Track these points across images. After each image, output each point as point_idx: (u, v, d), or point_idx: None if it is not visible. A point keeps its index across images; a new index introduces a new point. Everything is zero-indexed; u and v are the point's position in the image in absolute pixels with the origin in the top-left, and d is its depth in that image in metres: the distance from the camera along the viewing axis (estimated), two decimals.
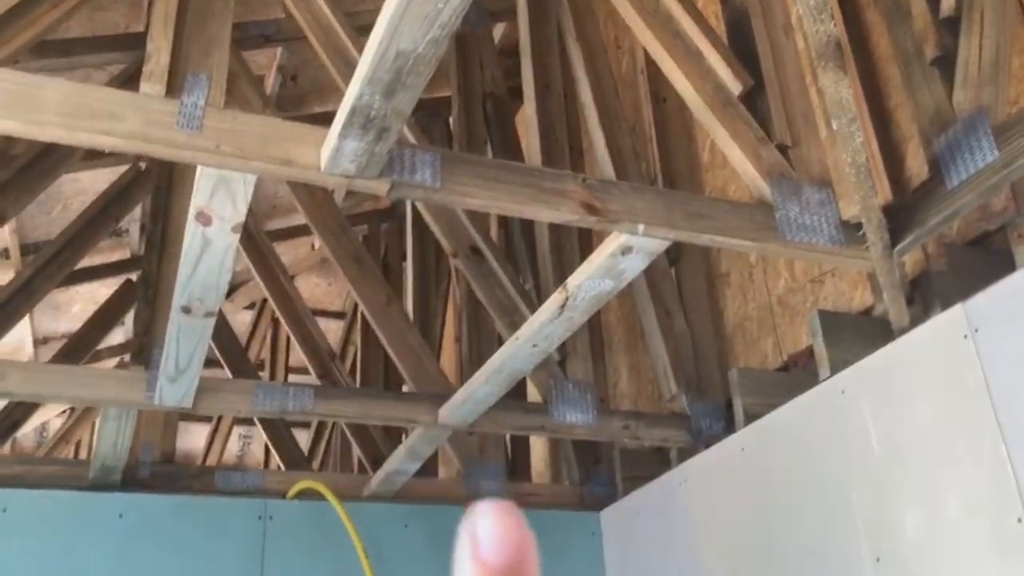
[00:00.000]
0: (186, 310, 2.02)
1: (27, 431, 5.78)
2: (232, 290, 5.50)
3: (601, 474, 3.46)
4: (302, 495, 3.06)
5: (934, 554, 2.00)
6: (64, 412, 5.60)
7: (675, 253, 3.32)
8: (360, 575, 2.93)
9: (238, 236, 1.78)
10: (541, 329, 2.20)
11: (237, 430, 6.34)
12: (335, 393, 2.67)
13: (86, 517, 2.79)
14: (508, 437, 3.85)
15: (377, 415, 2.67)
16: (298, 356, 4.64)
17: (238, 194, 1.68)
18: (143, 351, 2.54)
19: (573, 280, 2.01)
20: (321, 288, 5.86)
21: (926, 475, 2.05)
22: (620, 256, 1.88)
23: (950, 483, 1.98)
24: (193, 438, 6.43)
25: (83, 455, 5.91)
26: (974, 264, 2.23)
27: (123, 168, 3.89)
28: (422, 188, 1.66)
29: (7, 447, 4.12)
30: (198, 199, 1.70)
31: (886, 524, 2.13)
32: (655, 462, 3.27)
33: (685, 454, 2.98)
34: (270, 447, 4.63)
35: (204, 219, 1.74)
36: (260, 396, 2.53)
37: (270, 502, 3.01)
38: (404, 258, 4.71)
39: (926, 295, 2.26)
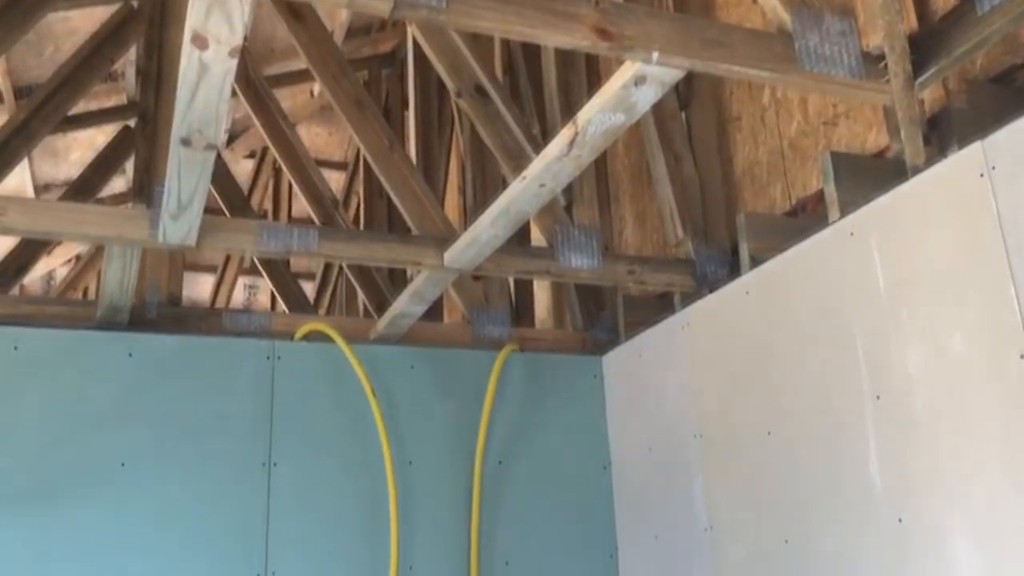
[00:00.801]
0: (186, 142, 1.97)
1: (34, 278, 5.82)
2: (232, 138, 5.41)
3: (604, 320, 3.49)
4: (309, 337, 3.09)
5: (934, 391, 2.02)
6: (70, 260, 5.63)
7: (686, 96, 3.23)
8: (368, 414, 3.01)
9: (235, 62, 1.72)
10: (549, 167, 2.15)
11: (242, 280, 6.38)
12: (339, 234, 2.65)
13: (95, 356, 2.83)
14: (513, 284, 3.87)
15: (382, 257, 2.66)
16: (301, 205, 4.62)
17: (235, 14, 1.60)
18: (144, 189, 2.51)
19: (583, 114, 1.95)
20: (322, 138, 5.76)
21: (931, 314, 2.05)
22: (633, 87, 1.81)
23: (955, 321, 1.99)
24: (199, 288, 6.48)
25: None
26: (996, 102, 2.16)
27: (115, 7, 3.74)
28: (427, 8, 1.58)
29: (15, 292, 4.15)
30: (193, 20, 1.62)
31: (887, 363, 2.15)
32: (658, 308, 3.28)
33: (688, 299, 2.99)
34: (276, 296, 4.67)
35: (200, 43, 1.67)
36: (264, 236, 2.51)
37: (278, 343, 3.04)
38: (406, 105, 4.61)
39: (943, 135, 2.20)
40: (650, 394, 3.10)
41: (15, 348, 2.76)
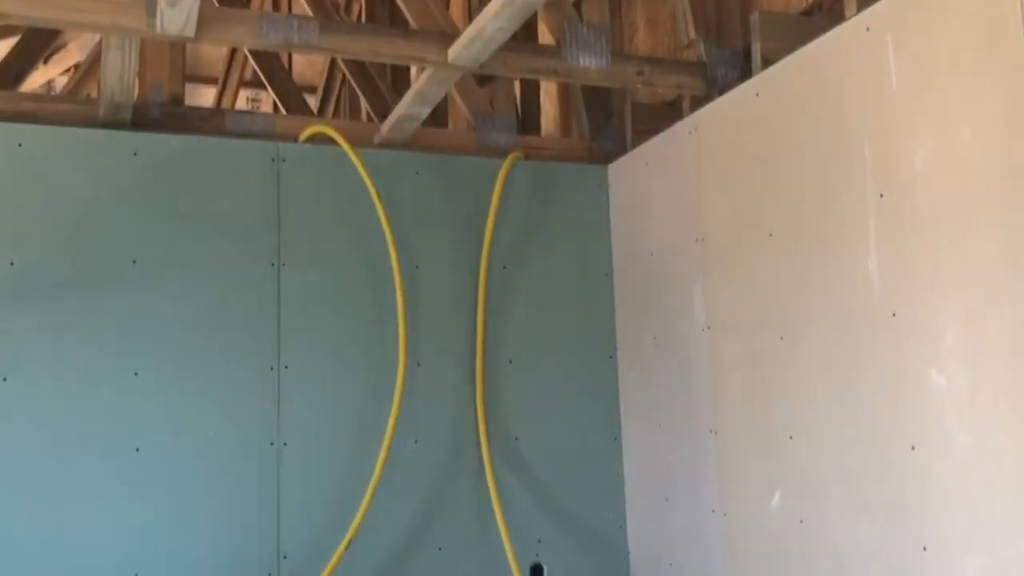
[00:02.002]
0: None
1: (32, 87, 5.72)
2: None
3: (611, 128, 3.45)
4: (314, 142, 3.07)
5: (939, 188, 2.02)
6: (69, 70, 5.52)
7: None
8: (374, 219, 3.03)
9: None
10: None
11: (244, 93, 6.28)
12: (341, 27, 2.58)
13: (101, 154, 2.83)
14: (519, 91, 3.80)
15: (385, 53, 2.60)
16: (300, 6, 4.47)
17: None
18: None
19: None
20: None
21: (942, 109, 2.02)
22: None
23: (966, 115, 1.96)
24: (200, 99, 6.38)
25: None
26: None
27: None
28: None
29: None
30: None
31: (894, 162, 2.14)
32: (666, 116, 3.24)
33: (698, 104, 2.95)
34: (278, 107, 4.60)
35: None
36: (264, 27, 2.45)
37: (282, 145, 3.03)
38: None
39: None
40: (654, 201, 3.11)
41: (19, 145, 2.75)
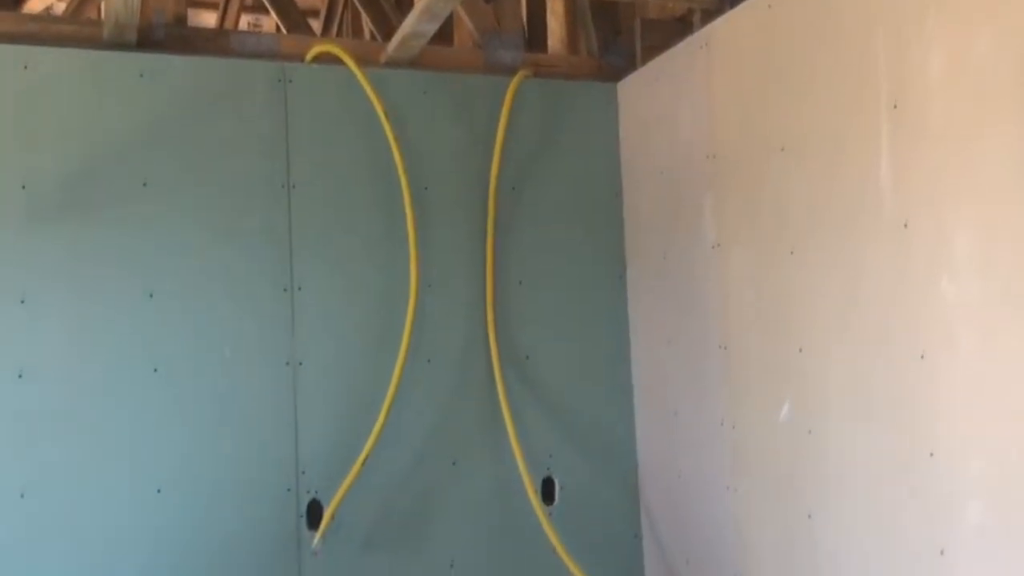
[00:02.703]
0: None
1: (33, 9, 5.63)
2: None
3: (620, 45, 3.41)
4: (320, 62, 3.04)
5: (954, 96, 2.01)
6: None
7: None
8: (382, 139, 3.02)
9: None
10: None
11: (245, 18, 6.18)
12: None
13: (107, 76, 2.80)
14: (525, 7, 3.74)
15: None
16: None
17: None
18: None
19: None
20: None
21: (960, 17, 2.00)
22: None
23: (984, 22, 1.94)
24: (202, 24, 6.28)
25: None
26: None
27: None
28: None
29: None
30: None
31: (908, 71, 2.12)
32: (676, 32, 3.20)
33: (708, 18, 2.91)
34: (281, 28, 4.54)
35: None
36: None
37: (288, 66, 3.00)
38: None
39: None
40: (665, 118, 3.09)
41: (25, 67, 2.73)
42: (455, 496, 3.05)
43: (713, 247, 2.84)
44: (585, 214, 3.28)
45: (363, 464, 2.86)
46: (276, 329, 2.90)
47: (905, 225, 2.13)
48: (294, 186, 2.96)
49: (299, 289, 2.93)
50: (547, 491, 3.15)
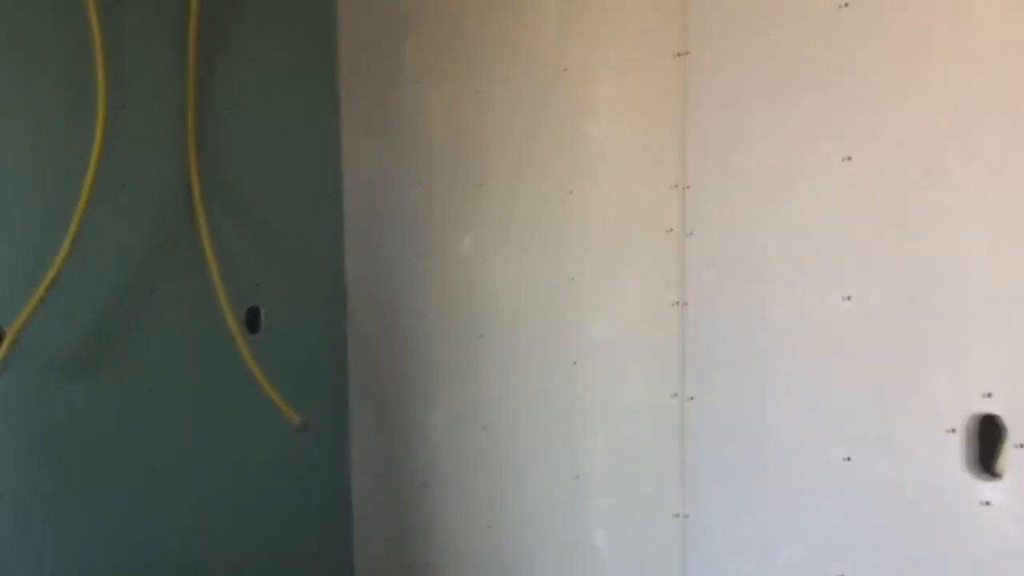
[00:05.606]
0: None
1: None
2: None
3: None
4: None
5: None
6: None
7: None
8: None
9: None
10: None
11: None
12: None
13: None
14: None
15: None
16: None
17: None
18: None
19: None
20: None
21: None
22: None
23: None
24: None
25: None
26: None
27: None
28: None
29: None
30: None
31: None
32: None
33: None
34: None
35: None
36: None
37: None
38: None
39: None
40: None
41: None
42: (156, 325, 3.03)
43: (414, 83, 2.90)
44: (300, 39, 3.21)
45: (49, 287, 2.76)
46: None
47: (565, 69, 2.28)
48: None
49: None
50: (253, 320, 3.21)
